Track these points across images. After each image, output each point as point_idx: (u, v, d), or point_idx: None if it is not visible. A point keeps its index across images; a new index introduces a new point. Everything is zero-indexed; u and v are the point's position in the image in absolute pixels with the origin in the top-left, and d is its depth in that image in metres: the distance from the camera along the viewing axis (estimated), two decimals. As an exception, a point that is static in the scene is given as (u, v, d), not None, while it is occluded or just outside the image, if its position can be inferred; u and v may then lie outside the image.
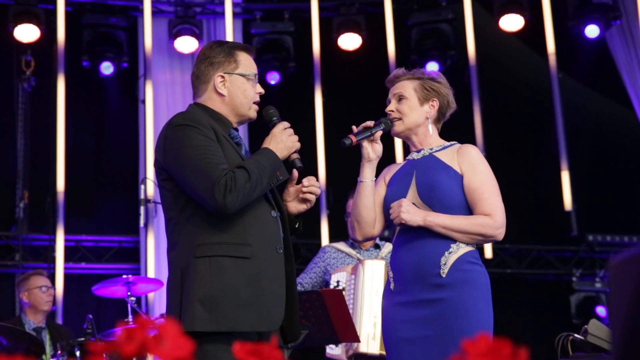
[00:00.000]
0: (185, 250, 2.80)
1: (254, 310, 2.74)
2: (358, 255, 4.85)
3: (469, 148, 3.25)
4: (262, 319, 2.75)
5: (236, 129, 3.05)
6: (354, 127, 3.22)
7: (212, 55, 2.99)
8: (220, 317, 2.70)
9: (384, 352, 4.37)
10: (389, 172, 3.35)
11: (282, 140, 2.91)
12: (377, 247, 4.94)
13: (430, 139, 3.29)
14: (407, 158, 3.34)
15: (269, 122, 3.01)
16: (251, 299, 2.75)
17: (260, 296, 2.77)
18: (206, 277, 2.73)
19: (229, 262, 2.76)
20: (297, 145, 2.95)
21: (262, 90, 3.03)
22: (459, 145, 3.28)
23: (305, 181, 3.01)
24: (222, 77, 2.96)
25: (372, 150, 3.24)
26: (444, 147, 3.27)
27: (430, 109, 3.28)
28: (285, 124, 2.97)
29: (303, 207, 3.02)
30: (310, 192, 3.00)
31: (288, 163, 2.95)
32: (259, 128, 3.20)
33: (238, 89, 2.97)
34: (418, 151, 3.29)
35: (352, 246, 4.93)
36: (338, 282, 4.64)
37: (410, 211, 3.06)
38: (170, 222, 2.88)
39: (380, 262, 4.55)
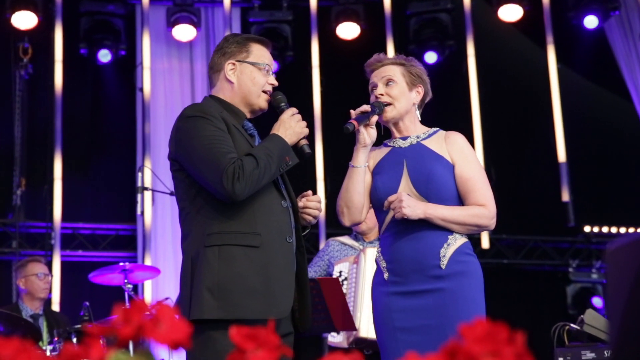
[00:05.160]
0: (196, 239, 2.82)
1: (262, 299, 2.76)
2: (361, 247, 4.85)
3: (457, 137, 3.24)
4: (270, 308, 2.76)
5: (250, 120, 3.05)
6: (352, 112, 3.19)
7: (226, 46, 3.04)
8: (228, 304, 2.72)
9: None
10: (371, 157, 3.30)
11: (291, 126, 2.93)
12: None
13: (415, 126, 3.28)
14: (388, 144, 3.30)
15: (277, 108, 3.02)
16: (259, 287, 2.76)
17: (269, 285, 2.78)
18: (215, 266, 2.75)
19: (237, 251, 2.78)
20: (306, 131, 2.97)
21: (275, 82, 3.04)
22: (444, 132, 3.27)
23: (300, 202, 3.03)
24: (233, 64, 3.00)
25: (368, 136, 3.21)
26: (430, 135, 3.26)
27: (417, 95, 3.27)
28: (294, 109, 2.99)
29: (304, 221, 3.05)
30: (307, 213, 3.03)
31: (297, 149, 2.96)
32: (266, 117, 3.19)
33: (247, 77, 2.99)
34: (404, 138, 3.26)
35: (356, 239, 4.95)
36: (340, 272, 4.66)
37: (412, 205, 3.04)
38: (182, 212, 2.92)
39: None
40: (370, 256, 4.53)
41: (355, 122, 3.15)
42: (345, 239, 5.00)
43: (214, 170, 2.74)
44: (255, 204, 2.82)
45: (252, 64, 2.99)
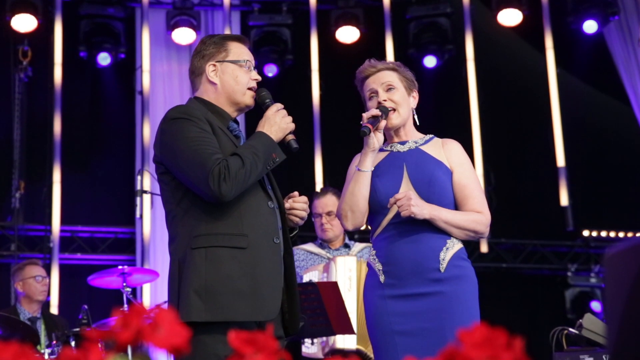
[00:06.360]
0: (182, 242, 2.81)
1: (250, 300, 2.74)
2: (328, 254, 4.79)
3: (454, 144, 3.27)
4: (259, 309, 2.75)
5: (236, 121, 3.04)
6: (364, 116, 3.18)
7: (204, 49, 3.02)
8: (216, 307, 2.71)
9: (360, 347, 4.38)
10: None
11: (276, 122, 2.91)
12: (346, 246, 4.88)
13: (412, 131, 3.30)
14: (385, 148, 3.29)
15: (262, 105, 3.00)
16: (247, 289, 2.75)
17: (257, 286, 2.76)
18: (202, 268, 2.74)
19: (224, 253, 2.76)
20: (292, 126, 2.94)
21: (258, 77, 3.03)
22: (440, 139, 3.30)
23: (287, 203, 3.01)
24: (214, 65, 2.98)
25: (377, 140, 3.21)
26: (427, 141, 3.28)
27: (414, 99, 3.30)
28: (279, 105, 2.97)
29: (291, 222, 3.04)
30: (294, 215, 3.01)
31: (284, 145, 2.94)
32: (256, 117, 3.18)
33: (229, 76, 2.97)
34: (402, 143, 3.27)
35: (321, 246, 4.88)
36: (310, 281, 4.59)
37: (419, 204, 3.06)
38: (169, 215, 2.90)
39: (352, 258, 4.52)
40: (342, 264, 4.50)
41: (370, 126, 3.15)
42: (311, 247, 4.92)
43: (199, 171, 2.73)
44: (242, 205, 2.81)
45: (233, 62, 2.98)
